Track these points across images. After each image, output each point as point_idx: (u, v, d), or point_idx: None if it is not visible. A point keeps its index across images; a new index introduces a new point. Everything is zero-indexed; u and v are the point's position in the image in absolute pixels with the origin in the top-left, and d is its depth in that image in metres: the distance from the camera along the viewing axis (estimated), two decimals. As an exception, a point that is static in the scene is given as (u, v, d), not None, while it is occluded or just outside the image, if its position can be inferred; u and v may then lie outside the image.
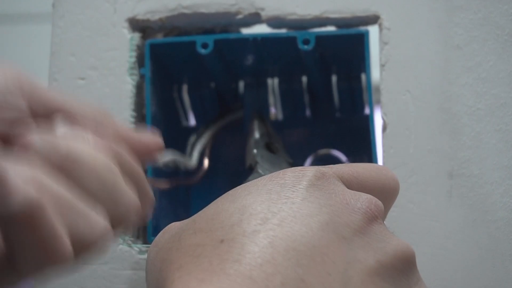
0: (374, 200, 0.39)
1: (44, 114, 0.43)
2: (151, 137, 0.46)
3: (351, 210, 0.38)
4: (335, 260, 0.36)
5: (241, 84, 0.66)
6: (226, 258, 0.35)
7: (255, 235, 0.36)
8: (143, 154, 0.45)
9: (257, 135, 0.61)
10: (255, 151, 0.60)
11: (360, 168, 0.42)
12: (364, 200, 0.39)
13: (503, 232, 0.53)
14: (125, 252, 0.56)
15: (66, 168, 0.39)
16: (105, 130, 0.44)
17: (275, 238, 0.36)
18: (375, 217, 0.38)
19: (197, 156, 0.61)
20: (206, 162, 0.63)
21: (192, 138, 0.63)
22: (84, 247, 0.40)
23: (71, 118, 0.43)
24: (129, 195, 0.42)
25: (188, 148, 0.63)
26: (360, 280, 0.35)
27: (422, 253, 0.53)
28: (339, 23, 0.59)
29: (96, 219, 0.40)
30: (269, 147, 0.61)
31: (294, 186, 0.38)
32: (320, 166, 0.40)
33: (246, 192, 0.38)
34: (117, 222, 0.42)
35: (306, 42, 0.57)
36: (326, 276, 0.35)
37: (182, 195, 0.64)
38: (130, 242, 0.57)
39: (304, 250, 0.35)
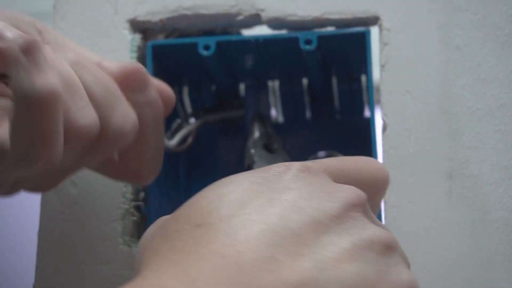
0: (356, 190, 0.39)
1: None
2: (133, 66, 0.51)
3: (331, 198, 0.38)
4: (309, 243, 0.36)
5: (242, 86, 0.66)
6: (200, 240, 0.36)
7: (231, 219, 0.36)
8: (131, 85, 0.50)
9: (256, 135, 0.61)
10: (253, 151, 0.60)
11: (347, 161, 0.42)
12: (344, 190, 0.39)
13: (503, 232, 0.53)
14: (125, 252, 0.56)
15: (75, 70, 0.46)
16: None
17: (250, 221, 0.36)
18: (355, 206, 0.38)
19: (178, 139, 0.61)
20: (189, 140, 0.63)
21: (178, 121, 0.63)
22: (119, 136, 0.47)
23: None
24: (128, 107, 0.49)
25: (172, 129, 0.63)
26: (334, 260, 0.36)
27: (422, 253, 0.53)
28: (339, 24, 0.59)
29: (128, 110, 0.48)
30: (267, 147, 0.61)
31: (278, 178, 0.39)
32: (306, 161, 0.40)
33: (228, 181, 0.39)
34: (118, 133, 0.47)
35: (308, 42, 0.57)
36: (298, 256, 0.36)
37: (182, 195, 0.64)
38: (130, 242, 0.57)
39: (278, 231, 0.36)
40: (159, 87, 0.52)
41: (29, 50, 0.42)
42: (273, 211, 0.37)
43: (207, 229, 0.36)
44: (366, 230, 0.38)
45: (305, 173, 0.39)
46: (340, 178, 0.41)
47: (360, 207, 0.39)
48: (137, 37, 0.61)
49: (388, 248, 0.38)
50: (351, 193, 0.39)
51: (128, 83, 0.50)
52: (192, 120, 0.64)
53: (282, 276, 0.35)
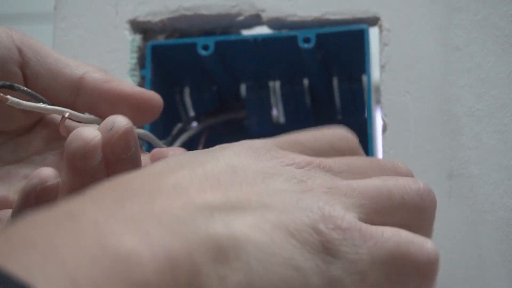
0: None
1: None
2: (152, 94, 0.50)
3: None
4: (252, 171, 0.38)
5: (243, 87, 0.66)
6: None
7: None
8: (143, 110, 0.49)
9: None
10: None
11: (307, 135, 0.43)
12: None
13: (503, 232, 0.53)
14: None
15: None
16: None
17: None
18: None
19: (178, 145, 0.61)
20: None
21: (179, 125, 0.63)
22: None
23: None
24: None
25: (173, 134, 0.62)
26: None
27: (422, 253, 0.54)
28: (339, 24, 0.59)
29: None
30: None
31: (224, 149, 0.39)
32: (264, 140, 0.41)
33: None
34: None
35: (306, 40, 0.58)
36: (247, 180, 0.37)
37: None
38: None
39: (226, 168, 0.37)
40: (144, 95, 0.51)
41: None
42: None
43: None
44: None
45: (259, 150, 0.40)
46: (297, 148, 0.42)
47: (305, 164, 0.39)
48: (138, 37, 0.61)
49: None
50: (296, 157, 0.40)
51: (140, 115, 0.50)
52: (194, 124, 0.64)
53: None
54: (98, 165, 0.44)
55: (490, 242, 0.53)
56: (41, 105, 0.48)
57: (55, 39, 0.61)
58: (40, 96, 0.48)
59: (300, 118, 0.66)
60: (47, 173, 0.43)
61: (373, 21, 0.59)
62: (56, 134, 0.50)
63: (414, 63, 0.57)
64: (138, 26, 0.61)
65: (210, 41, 0.59)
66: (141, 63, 0.61)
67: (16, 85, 0.47)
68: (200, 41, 0.59)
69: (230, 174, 0.37)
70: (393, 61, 0.58)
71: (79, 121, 0.49)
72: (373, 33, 0.59)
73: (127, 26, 0.61)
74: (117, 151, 0.44)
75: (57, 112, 0.48)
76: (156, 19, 0.61)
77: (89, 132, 0.43)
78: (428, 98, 0.56)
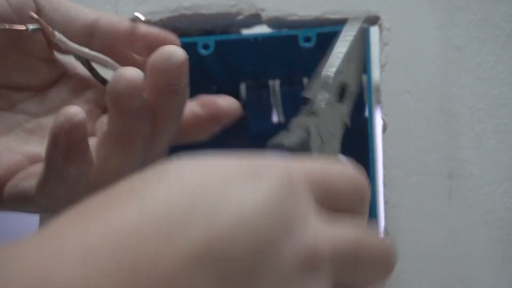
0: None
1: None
2: (167, 33, 0.49)
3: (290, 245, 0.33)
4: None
5: (243, 86, 0.66)
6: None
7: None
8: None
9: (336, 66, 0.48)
10: (321, 96, 0.46)
11: (336, 173, 0.36)
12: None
13: (503, 232, 0.54)
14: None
15: None
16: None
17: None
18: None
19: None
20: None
21: None
22: None
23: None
24: None
25: None
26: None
27: (422, 253, 0.54)
28: (339, 24, 0.59)
29: None
30: (343, 91, 0.47)
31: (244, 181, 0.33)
32: (289, 162, 0.35)
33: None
34: None
35: (307, 39, 0.58)
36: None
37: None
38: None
39: None
40: (159, 34, 0.49)
41: None
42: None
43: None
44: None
45: (285, 191, 0.33)
46: (320, 197, 0.35)
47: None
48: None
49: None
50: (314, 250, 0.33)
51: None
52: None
53: None
54: (142, 105, 0.43)
55: (490, 242, 0.53)
56: (85, 49, 0.47)
57: (55, 38, 0.61)
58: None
59: (300, 117, 0.66)
60: (73, 110, 0.42)
61: (373, 20, 0.59)
62: (81, 85, 0.50)
63: (414, 63, 0.57)
64: (138, 26, 0.61)
65: (211, 40, 0.59)
66: (141, 63, 0.61)
67: (56, 31, 0.47)
68: (201, 40, 0.59)
69: None
70: (393, 61, 0.58)
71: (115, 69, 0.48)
72: (373, 33, 0.59)
73: (127, 25, 0.61)
74: (173, 82, 0.44)
75: (99, 60, 0.48)
76: (156, 18, 0.61)
77: (132, 72, 0.43)
78: (428, 98, 0.56)
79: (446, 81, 0.57)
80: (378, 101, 0.57)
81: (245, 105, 0.65)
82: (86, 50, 0.47)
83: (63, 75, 0.50)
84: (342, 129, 0.48)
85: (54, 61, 0.49)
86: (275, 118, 0.67)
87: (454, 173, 0.55)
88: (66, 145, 0.42)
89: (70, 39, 0.48)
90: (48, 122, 0.48)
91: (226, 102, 0.49)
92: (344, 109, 0.47)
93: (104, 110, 0.50)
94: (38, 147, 0.48)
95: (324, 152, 0.45)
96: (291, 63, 0.62)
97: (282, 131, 0.43)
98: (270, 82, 0.65)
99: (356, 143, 0.65)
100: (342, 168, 0.36)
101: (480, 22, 0.57)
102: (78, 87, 0.50)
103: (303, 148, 0.43)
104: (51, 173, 0.43)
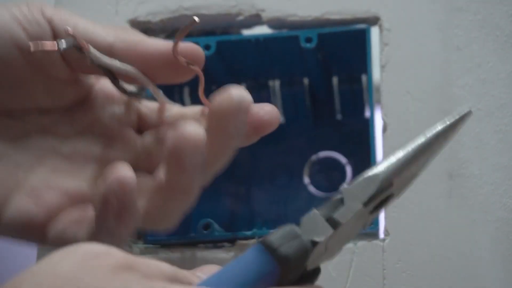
0: None
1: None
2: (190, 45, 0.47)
3: None
4: None
5: (243, 87, 0.66)
6: None
7: None
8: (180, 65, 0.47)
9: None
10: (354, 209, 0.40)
11: None
12: None
13: (503, 232, 0.54)
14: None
15: None
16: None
17: None
18: None
19: None
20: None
21: None
22: None
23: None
24: None
25: None
26: None
27: (422, 253, 0.54)
28: (339, 24, 0.59)
29: None
30: (383, 201, 0.41)
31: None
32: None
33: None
34: None
35: (308, 40, 0.58)
36: None
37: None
38: (130, 242, 0.57)
39: None
40: (188, 48, 0.48)
41: None
42: None
43: None
44: None
45: None
46: None
47: None
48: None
49: None
50: None
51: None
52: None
53: None
54: (203, 159, 0.44)
55: (490, 242, 0.53)
56: (117, 62, 0.46)
57: (55, 38, 0.61)
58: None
59: (300, 117, 0.66)
60: (124, 173, 0.42)
61: (373, 20, 0.59)
62: (107, 101, 0.50)
63: (414, 63, 0.57)
64: (138, 26, 0.61)
65: (212, 41, 0.59)
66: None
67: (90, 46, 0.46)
68: (202, 40, 0.59)
69: None
70: (393, 61, 0.58)
71: (147, 86, 0.48)
72: (374, 33, 0.59)
73: (127, 26, 0.61)
74: (241, 125, 0.45)
75: (130, 73, 0.47)
76: (156, 19, 0.61)
77: (194, 131, 0.43)
78: (428, 98, 0.57)
79: (446, 81, 0.57)
80: (378, 101, 0.57)
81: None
82: (119, 63, 0.46)
83: (88, 94, 0.50)
84: (356, 232, 0.41)
85: (78, 82, 0.49)
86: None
87: (454, 173, 0.55)
88: (117, 207, 0.42)
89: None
90: (83, 146, 0.49)
91: (267, 114, 0.48)
92: (372, 216, 0.41)
93: (133, 124, 0.50)
94: (78, 180, 0.48)
95: (326, 256, 0.40)
96: (292, 63, 0.62)
97: (286, 226, 0.39)
98: (271, 83, 0.65)
99: (356, 143, 0.65)
100: None
101: (480, 22, 0.57)
102: (105, 103, 0.50)
103: (299, 257, 0.38)
104: (102, 231, 0.43)
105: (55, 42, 0.45)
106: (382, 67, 0.58)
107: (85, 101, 0.50)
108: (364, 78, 0.64)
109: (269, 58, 0.61)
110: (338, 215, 0.39)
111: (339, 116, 0.67)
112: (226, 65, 0.61)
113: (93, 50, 0.45)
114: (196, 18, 0.45)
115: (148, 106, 0.51)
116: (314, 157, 0.66)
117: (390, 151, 0.56)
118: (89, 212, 0.45)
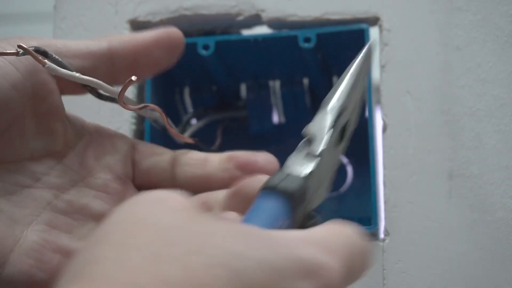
0: None
1: None
2: (170, 31, 0.51)
3: None
4: None
5: (243, 87, 0.66)
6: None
7: None
8: (169, 48, 0.51)
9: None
10: (327, 138, 0.45)
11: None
12: None
13: (503, 232, 0.53)
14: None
15: None
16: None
17: None
18: None
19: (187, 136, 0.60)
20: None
21: (186, 117, 0.63)
22: None
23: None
24: None
25: (182, 123, 0.62)
26: None
27: (422, 253, 0.54)
28: (339, 24, 0.59)
29: None
30: (344, 130, 0.47)
31: None
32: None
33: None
34: None
35: (307, 40, 0.58)
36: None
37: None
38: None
39: None
40: (162, 35, 0.51)
41: None
42: None
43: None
44: None
45: None
46: None
47: None
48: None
49: None
50: None
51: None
52: (193, 121, 0.64)
53: None
54: None
55: (490, 242, 0.53)
56: (75, 74, 0.47)
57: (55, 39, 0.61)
58: (71, 68, 0.47)
59: (300, 117, 0.66)
60: None
61: (373, 21, 0.59)
62: (102, 151, 0.50)
63: (414, 63, 0.57)
64: (138, 26, 0.61)
65: (211, 41, 0.59)
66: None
67: (49, 52, 0.46)
68: (201, 41, 0.59)
69: None
70: (393, 61, 0.58)
71: (109, 93, 0.49)
72: (373, 33, 0.59)
73: (127, 26, 0.61)
74: None
75: (90, 82, 0.48)
76: (156, 19, 0.61)
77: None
78: (428, 98, 0.56)
79: (446, 81, 0.57)
80: (378, 101, 0.57)
81: (245, 105, 0.65)
82: (77, 75, 0.47)
83: (79, 134, 0.50)
84: (336, 167, 0.46)
85: (68, 120, 0.49)
86: (275, 119, 0.67)
87: (454, 173, 0.55)
88: None
89: (95, 73, 0.48)
90: (78, 199, 0.48)
91: (264, 160, 0.51)
92: (342, 147, 0.47)
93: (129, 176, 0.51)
94: (76, 239, 0.48)
95: (317, 195, 0.44)
96: (292, 63, 0.62)
97: (278, 171, 0.42)
98: (270, 83, 0.65)
99: (356, 143, 0.65)
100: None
101: (480, 22, 0.57)
102: (100, 151, 0.51)
103: (299, 194, 0.41)
104: None
105: (15, 50, 0.45)
106: (382, 67, 0.58)
107: (77, 143, 0.50)
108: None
109: (268, 58, 0.61)
110: (311, 150, 0.44)
111: (339, 116, 0.67)
112: (226, 65, 0.61)
113: (49, 64, 0.45)
114: (133, 78, 0.47)
115: (156, 158, 0.52)
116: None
117: (390, 150, 0.56)
118: None
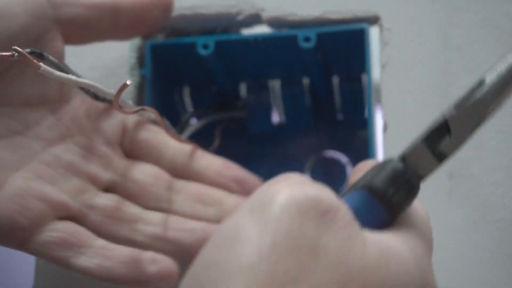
0: None
1: None
2: None
3: None
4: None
5: (243, 86, 0.66)
6: None
7: None
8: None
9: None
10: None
11: None
12: None
13: (503, 232, 0.53)
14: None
15: None
16: None
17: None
18: None
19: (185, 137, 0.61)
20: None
21: (185, 117, 0.63)
22: None
23: None
24: None
25: (180, 125, 0.62)
26: None
27: (422, 253, 0.53)
28: (339, 23, 0.59)
29: None
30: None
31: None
32: None
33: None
34: None
35: (307, 39, 0.57)
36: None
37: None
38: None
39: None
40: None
41: None
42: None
43: None
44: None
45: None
46: None
47: None
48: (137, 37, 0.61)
49: None
50: None
51: None
52: (193, 121, 0.64)
53: None
54: None
55: (490, 242, 0.53)
56: (71, 76, 0.47)
57: (55, 38, 0.61)
58: (68, 68, 0.48)
59: (300, 117, 0.66)
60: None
61: (374, 20, 0.59)
62: (96, 112, 0.52)
63: (414, 63, 0.57)
64: (137, 26, 0.61)
65: (210, 40, 0.59)
66: (141, 63, 0.60)
67: (45, 54, 0.47)
68: (200, 40, 0.59)
69: None
70: (393, 61, 0.58)
71: (105, 96, 0.50)
72: (374, 33, 0.59)
73: (127, 25, 0.61)
74: None
75: (85, 85, 0.48)
76: (155, 18, 0.61)
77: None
78: (428, 98, 0.56)
79: (446, 81, 0.57)
80: (378, 101, 0.57)
81: (245, 105, 0.65)
82: (73, 77, 0.47)
83: (77, 90, 0.51)
84: None
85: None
86: (275, 119, 0.67)
87: (454, 173, 0.55)
88: None
89: (97, 27, 0.50)
90: (64, 154, 0.49)
91: (254, 180, 0.55)
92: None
93: (119, 141, 0.52)
94: (59, 190, 0.48)
95: None
96: (292, 63, 0.62)
97: (388, 162, 0.37)
98: (270, 82, 0.65)
99: (357, 143, 0.65)
100: None
101: (480, 22, 0.57)
102: (92, 105, 0.51)
103: (409, 203, 0.37)
104: None
105: (10, 53, 0.45)
106: (382, 66, 0.58)
107: (70, 100, 0.50)
108: (364, 77, 0.64)
109: (268, 57, 0.61)
110: (445, 147, 0.36)
111: (339, 116, 0.67)
112: (225, 65, 0.61)
113: (44, 67, 0.46)
114: (128, 82, 0.47)
115: (151, 134, 0.53)
116: (314, 157, 0.66)
117: (390, 151, 0.56)
118: (74, 231, 0.47)
